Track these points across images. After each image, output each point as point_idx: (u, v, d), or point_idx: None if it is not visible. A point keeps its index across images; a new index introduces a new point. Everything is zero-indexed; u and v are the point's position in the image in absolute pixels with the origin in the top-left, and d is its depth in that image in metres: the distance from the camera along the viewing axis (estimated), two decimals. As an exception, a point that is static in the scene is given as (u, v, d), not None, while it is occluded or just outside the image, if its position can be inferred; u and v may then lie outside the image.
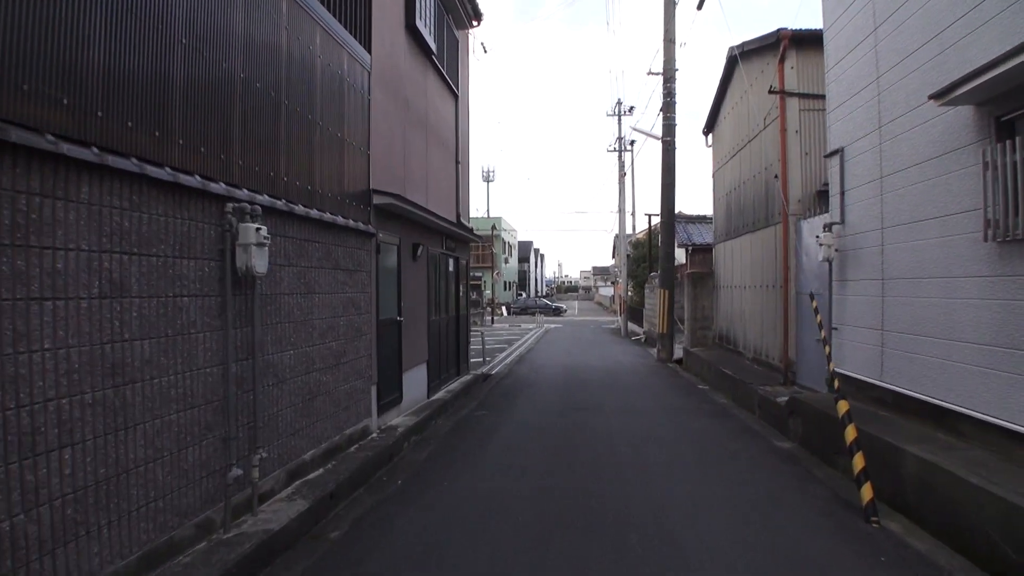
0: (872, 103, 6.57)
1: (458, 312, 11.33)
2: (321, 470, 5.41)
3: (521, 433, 7.33)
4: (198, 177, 3.87)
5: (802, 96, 9.24)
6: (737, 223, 12.21)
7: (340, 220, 5.92)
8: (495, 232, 51.01)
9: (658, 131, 14.86)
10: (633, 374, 13.06)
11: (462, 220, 11.31)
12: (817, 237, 7.41)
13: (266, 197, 4.63)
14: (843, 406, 5.03)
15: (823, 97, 9.21)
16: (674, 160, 14.59)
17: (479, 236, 12.04)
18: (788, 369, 9.14)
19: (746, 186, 11.58)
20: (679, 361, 14.87)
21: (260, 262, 4.19)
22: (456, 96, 11.16)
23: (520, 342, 21.89)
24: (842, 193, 7.26)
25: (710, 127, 14.27)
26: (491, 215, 54.26)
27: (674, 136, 14.58)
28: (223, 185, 4.12)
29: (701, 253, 23.52)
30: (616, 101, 42.08)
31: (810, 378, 8.58)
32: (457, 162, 11.22)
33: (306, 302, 5.33)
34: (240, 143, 4.37)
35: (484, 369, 13.39)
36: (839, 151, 7.31)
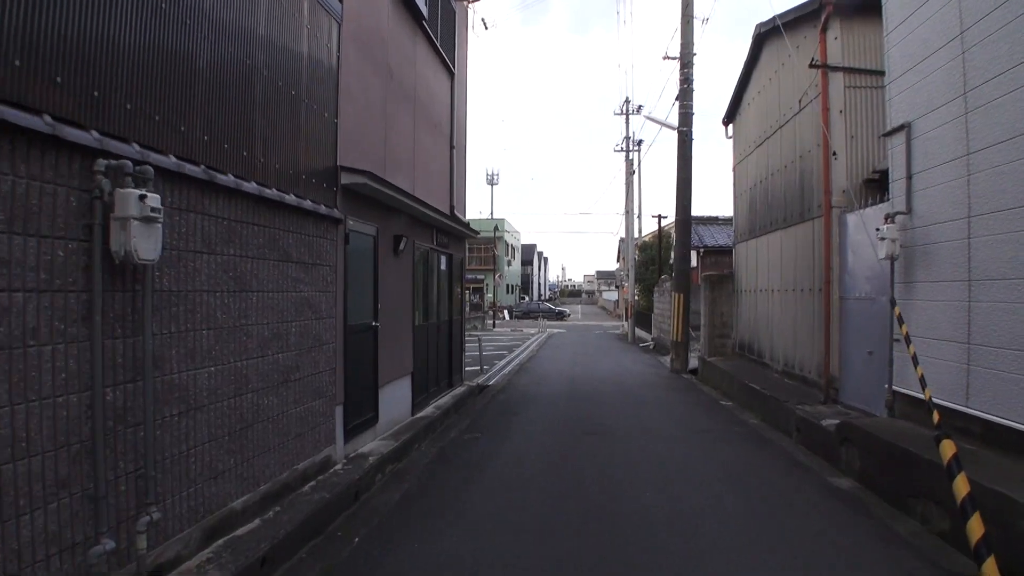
0: (953, 65, 5.33)
1: (451, 316, 10.09)
2: (257, 521, 4.16)
3: (519, 467, 6.07)
4: (48, 118, 2.65)
5: (848, 71, 7.99)
6: (764, 220, 10.95)
7: (291, 199, 4.69)
8: (498, 234, 49.81)
9: (673, 120, 13.63)
10: (646, 387, 11.79)
11: (457, 213, 10.09)
12: (877, 230, 6.15)
13: (171, 158, 3.40)
14: (948, 448, 3.75)
15: (873, 72, 8.00)
16: (691, 152, 13.36)
17: (475, 231, 10.82)
18: (829, 386, 7.87)
19: (775, 178, 10.32)
20: (694, 372, 13.61)
21: (146, 244, 2.96)
22: (452, 74, 9.95)
23: (521, 348, 20.64)
24: (908, 177, 6.01)
25: (731, 117, 13.02)
26: (494, 218, 53.02)
27: (691, 126, 13.35)
28: (95, 134, 2.89)
29: (714, 256, 22.31)
30: (624, 99, 40.84)
31: (857, 396, 7.32)
32: (452, 148, 10.00)
33: (238, 303, 4.10)
34: (129, 77, 3.14)
35: (480, 380, 12.14)
36: (904, 127, 6.06)
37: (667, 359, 16.89)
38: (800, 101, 9.10)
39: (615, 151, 33.56)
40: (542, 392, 10.86)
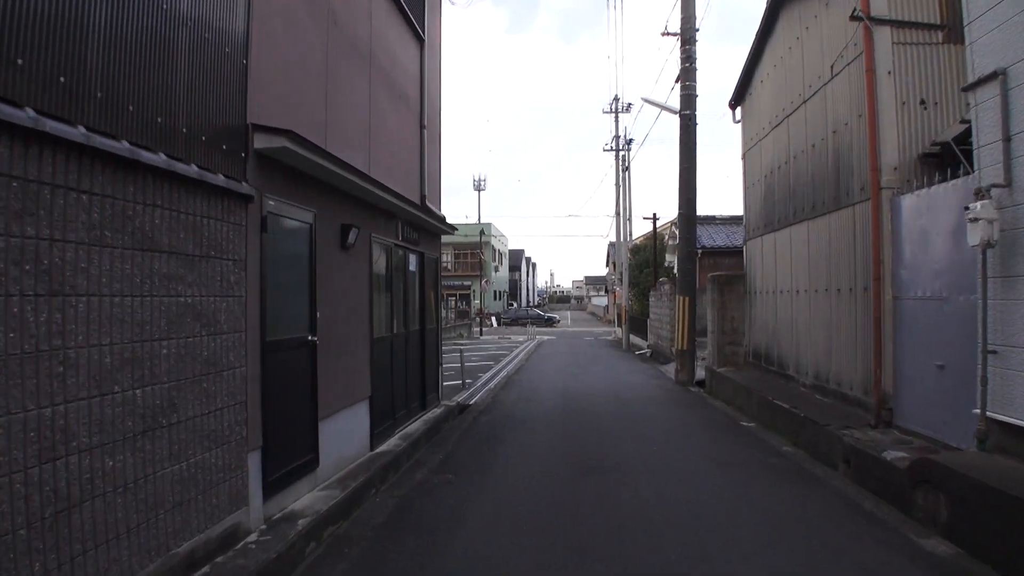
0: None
1: (423, 326, 8.58)
2: (80, 659, 2.63)
3: (502, 528, 4.54)
4: None
5: (897, 25, 6.60)
6: (783, 211, 9.54)
7: (156, 159, 3.17)
8: (484, 238, 48.36)
9: (674, 104, 12.24)
10: (651, 403, 10.32)
11: (430, 204, 8.59)
12: (966, 209, 4.73)
13: None
14: None
15: (927, 26, 6.64)
16: (695, 139, 11.97)
17: (452, 227, 9.31)
18: (881, 406, 6.43)
19: (798, 161, 8.92)
20: (701, 383, 12.17)
21: None
22: (422, 41, 8.47)
23: (509, 358, 19.13)
24: (1006, 140, 4.60)
25: (739, 98, 11.64)
26: (481, 223, 51.53)
27: (695, 109, 11.97)
28: None
29: (712, 257, 20.91)
30: (613, 97, 39.58)
31: (921, 421, 5.90)
32: (423, 127, 8.51)
33: (47, 313, 2.58)
34: None
35: (462, 397, 10.63)
36: (997, 75, 4.66)
37: (668, 368, 15.47)
38: (832, 67, 7.70)
39: (605, 150, 32.40)
40: (532, 412, 9.36)
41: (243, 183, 4.05)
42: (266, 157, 4.31)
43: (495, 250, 57.21)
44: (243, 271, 4.04)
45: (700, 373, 12.37)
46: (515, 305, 63.04)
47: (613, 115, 31.62)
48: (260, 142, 4.18)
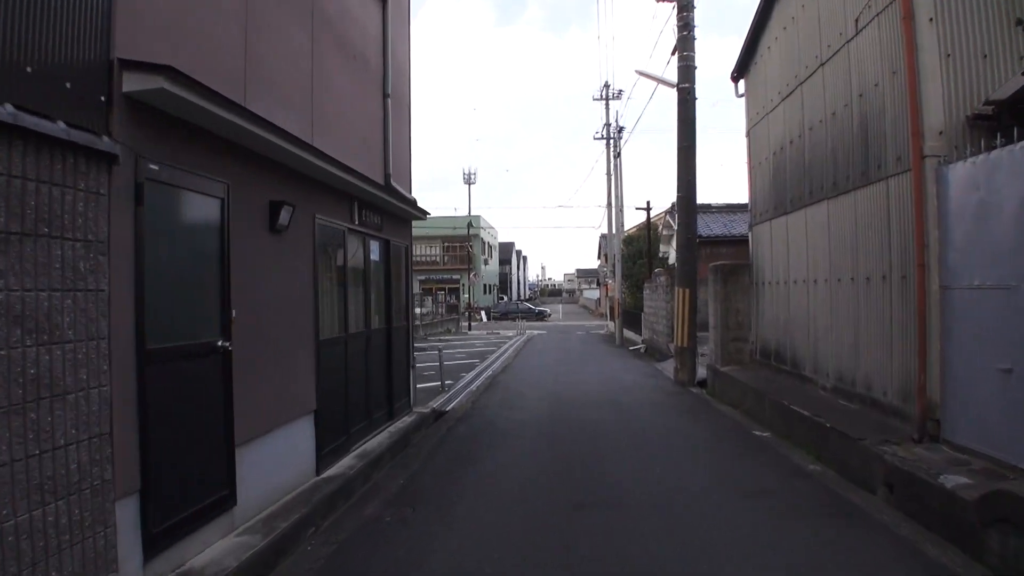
0: None
1: (390, 324, 7.51)
2: None
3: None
4: None
5: (939, -38, 5.56)
6: (797, 190, 8.52)
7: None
8: (473, 231, 47.26)
9: (671, 77, 11.17)
10: (650, 408, 9.30)
11: (396, 185, 7.51)
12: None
13: None
14: None
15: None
16: (694, 115, 10.92)
17: (423, 211, 8.21)
18: (927, 415, 5.42)
19: (815, 133, 7.89)
20: (702, 383, 11.16)
21: None
22: (384, -2, 7.37)
23: (496, 355, 18.08)
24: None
25: (742, 70, 10.58)
26: (470, 215, 50.32)
27: (693, 82, 10.89)
28: None
29: (709, 247, 19.93)
30: (604, 84, 38.46)
31: (980, 436, 4.88)
32: (386, 96, 7.41)
33: None
34: None
35: (438, 402, 9.60)
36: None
37: (666, 366, 14.48)
38: (858, 21, 6.65)
39: (595, 139, 31.21)
40: (515, 420, 8.30)
41: (103, 137, 2.96)
42: (143, 106, 3.22)
43: (485, 243, 56.10)
44: (103, 256, 2.96)
45: (701, 372, 11.37)
46: (505, 299, 61.97)
47: (604, 102, 30.58)
48: (131, 84, 3.09)
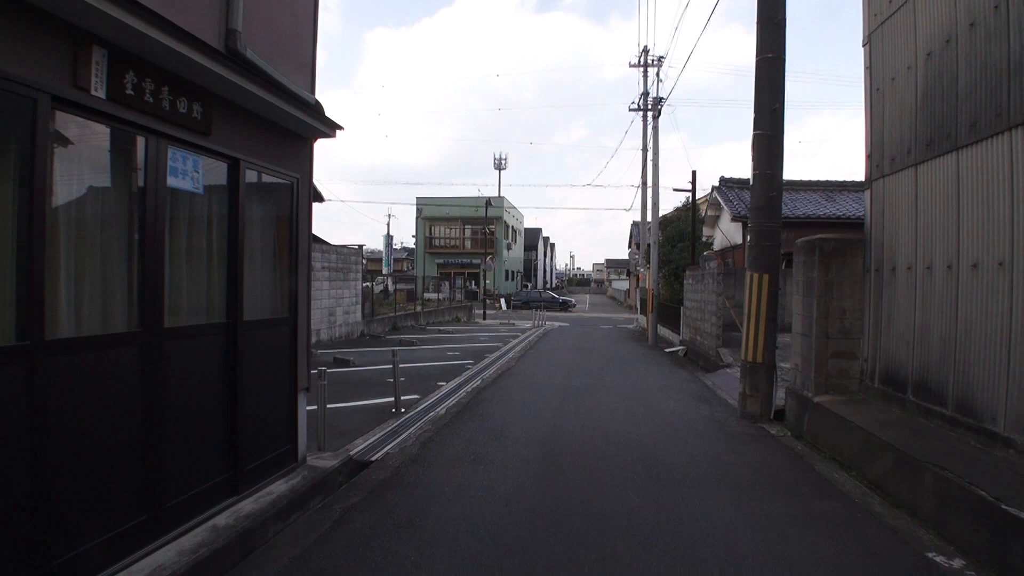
0: None
1: (238, 317, 4.08)
2: None
3: None
4: None
5: None
6: (974, 113, 4.81)
7: None
8: (495, 212, 43.75)
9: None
10: (707, 466, 5.72)
11: (255, 57, 4.03)
12: None
13: None
14: None
15: None
16: (784, 11, 7.21)
17: (328, 121, 4.77)
18: None
19: (1018, 12, 4.19)
20: (779, 414, 7.53)
21: None
22: None
23: (497, 355, 14.57)
24: None
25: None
26: (494, 196, 46.57)
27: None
28: None
29: (785, 231, 15.98)
30: (642, 48, 34.21)
31: None
32: None
33: None
34: None
35: (369, 440, 6.20)
36: None
37: (718, 381, 10.82)
38: None
39: (631, 109, 27.33)
40: (471, 499, 4.75)
41: None
42: None
43: (508, 227, 52.54)
44: None
45: (781, 398, 7.74)
46: (530, 286, 58.49)
47: (641, 68, 26.86)
48: None
